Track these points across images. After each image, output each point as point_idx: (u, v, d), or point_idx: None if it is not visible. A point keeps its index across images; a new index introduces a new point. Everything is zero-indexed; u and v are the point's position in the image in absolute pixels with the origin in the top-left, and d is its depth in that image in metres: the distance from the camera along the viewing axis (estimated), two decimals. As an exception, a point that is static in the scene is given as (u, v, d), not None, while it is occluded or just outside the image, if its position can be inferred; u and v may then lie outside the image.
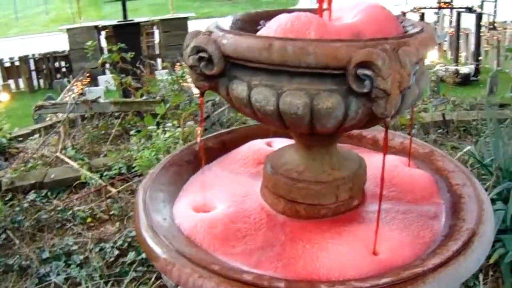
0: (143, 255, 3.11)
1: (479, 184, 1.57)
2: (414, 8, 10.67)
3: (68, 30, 11.31)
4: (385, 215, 1.47)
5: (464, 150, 3.84)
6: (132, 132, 4.82)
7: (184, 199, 1.54)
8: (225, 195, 1.56)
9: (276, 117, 1.18)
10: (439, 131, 5.36)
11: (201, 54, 1.21)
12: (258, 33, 1.30)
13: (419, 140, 1.88)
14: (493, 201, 3.10)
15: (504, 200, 3.11)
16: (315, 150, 1.45)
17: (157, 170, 1.65)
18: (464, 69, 10.49)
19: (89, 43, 6.95)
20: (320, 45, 1.08)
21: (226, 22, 1.39)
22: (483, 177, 3.64)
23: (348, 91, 1.11)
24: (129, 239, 3.42)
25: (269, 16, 1.53)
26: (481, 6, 11.69)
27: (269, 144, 1.86)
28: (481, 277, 2.88)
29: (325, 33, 1.19)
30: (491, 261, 2.90)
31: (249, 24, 1.50)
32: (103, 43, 11.36)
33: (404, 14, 10.97)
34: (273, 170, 1.47)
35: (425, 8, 10.94)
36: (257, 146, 1.84)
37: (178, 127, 4.64)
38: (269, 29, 1.25)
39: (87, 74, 10.67)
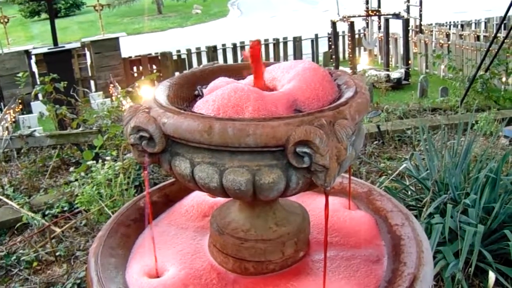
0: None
1: (417, 223, 1.65)
2: (344, 17, 10.90)
3: (-4, 56, 11.00)
4: (330, 263, 1.53)
5: (400, 168, 3.97)
6: (71, 169, 4.75)
7: (135, 264, 1.55)
8: (175, 254, 1.58)
9: (221, 191, 1.21)
10: (375, 142, 5.50)
11: (142, 134, 1.23)
12: (196, 105, 1.32)
13: (357, 179, 1.95)
14: (431, 215, 3.22)
15: (441, 213, 3.23)
16: (259, 208, 1.50)
17: (105, 233, 1.65)
18: (395, 74, 10.79)
19: (20, 74, 6.77)
20: (259, 125, 1.12)
21: (163, 91, 1.41)
22: (420, 190, 3.78)
23: (288, 164, 1.16)
24: (78, 281, 3.36)
25: (204, 77, 1.57)
26: (407, 10, 12.07)
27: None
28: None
29: (263, 105, 1.23)
30: (433, 273, 3.00)
31: (186, 87, 1.53)
32: (34, 67, 11.13)
33: (333, 23, 11.21)
34: (220, 230, 1.51)
35: (354, 16, 11.19)
36: (201, 197, 1.87)
37: (117, 157, 4.60)
38: (207, 103, 1.28)
39: (19, 101, 10.42)
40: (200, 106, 1.30)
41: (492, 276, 2.79)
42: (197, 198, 1.87)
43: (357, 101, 1.26)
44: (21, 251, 3.84)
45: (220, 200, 1.80)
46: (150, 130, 1.22)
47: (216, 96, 1.28)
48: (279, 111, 1.25)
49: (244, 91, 1.26)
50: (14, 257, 3.73)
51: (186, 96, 1.48)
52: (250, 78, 1.47)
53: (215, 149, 1.17)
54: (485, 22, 15.17)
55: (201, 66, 1.67)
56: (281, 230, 1.49)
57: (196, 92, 1.49)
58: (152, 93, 1.38)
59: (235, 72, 1.62)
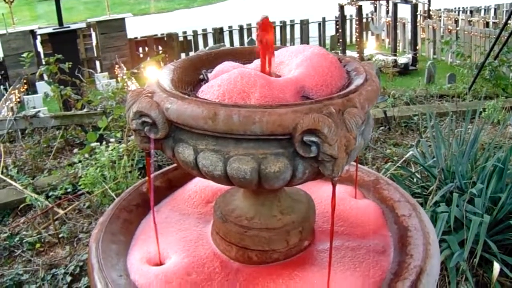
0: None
1: (424, 214, 1.62)
2: (351, 1, 10.80)
3: (1, 36, 10.96)
4: (335, 252, 1.50)
5: (407, 155, 3.93)
6: (75, 150, 4.72)
7: (137, 251, 1.52)
8: (177, 241, 1.56)
9: (225, 180, 1.18)
10: (381, 128, 5.46)
11: (144, 119, 1.19)
12: (201, 90, 1.29)
13: (364, 167, 1.91)
14: (437, 203, 3.19)
15: (447, 202, 3.19)
16: (263, 196, 1.47)
17: (107, 219, 1.62)
18: (402, 59, 10.72)
19: (25, 54, 6.73)
20: (266, 113, 1.08)
21: (167, 75, 1.37)
22: (426, 178, 3.74)
23: (295, 153, 1.13)
24: (81, 263, 3.36)
25: (210, 61, 1.53)
26: (416, -5, 11.96)
27: (215, 179, 1.86)
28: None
29: (270, 91, 1.20)
30: (439, 263, 2.97)
31: (191, 71, 1.49)
32: (40, 47, 11.10)
33: (341, 6, 11.11)
34: (224, 217, 1.48)
35: (362, 0, 11.09)
36: (204, 183, 1.84)
37: (122, 139, 4.58)
38: (213, 87, 1.24)
39: (24, 81, 10.40)
40: (205, 91, 1.26)
41: (497, 266, 2.76)
42: (200, 184, 1.84)
43: (367, 89, 1.22)
44: (24, 232, 3.83)
45: (224, 186, 1.76)
46: (152, 115, 1.18)
47: (222, 81, 1.24)
48: (286, 97, 1.21)
49: (250, 77, 1.22)
50: (17, 238, 3.73)
51: (190, 80, 1.44)
52: (257, 63, 1.43)
53: (219, 136, 1.14)
54: (495, 9, 15.03)
55: (206, 48, 1.63)
56: (286, 218, 1.46)
57: (201, 76, 1.45)
58: (156, 76, 1.35)
59: (242, 56, 1.58)
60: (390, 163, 4.10)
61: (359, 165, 1.86)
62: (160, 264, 1.47)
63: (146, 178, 1.66)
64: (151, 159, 1.31)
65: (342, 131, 1.06)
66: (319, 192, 1.79)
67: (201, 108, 1.12)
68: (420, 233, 1.51)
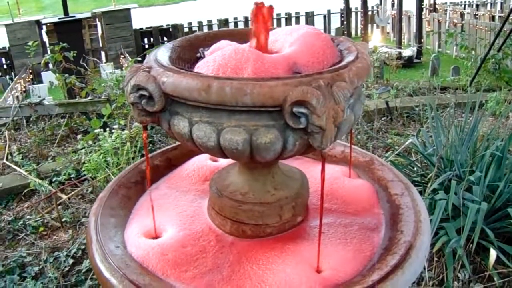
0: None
1: (417, 193, 1.65)
2: (356, -7, 10.79)
3: (7, 25, 11.02)
4: (327, 229, 1.53)
5: (406, 143, 3.97)
6: (79, 137, 4.78)
7: (134, 224, 1.57)
8: (174, 216, 1.60)
9: (218, 151, 1.22)
10: (383, 118, 5.49)
11: (142, 92, 1.23)
12: (197, 66, 1.33)
13: (359, 148, 1.95)
14: (435, 190, 3.22)
15: (445, 190, 3.22)
16: (257, 171, 1.50)
17: (106, 194, 1.66)
18: (407, 52, 10.72)
19: (30, 43, 6.78)
20: (257, 85, 1.12)
21: (165, 52, 1.41)
22: (426, 166, 3.77)
23: (286, 125, 1.16)
24: (82, 247, 3.42)
25: (208, 40, 1.57)
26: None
27: (213, 159, 1.90)
28: (425, 264, 2.99)
29: (262, 67, 1.23)
30: (435, 249, 3.01)
31: (189, 50, 1.53)
32: (45, 37, 11.15)
33: (346, -1, 11.10)
34: (219, 192, 1.52)
35: (367, -8, 11.10)
36: (202, 162, 1.88)
37: (125, 126, 4.63)
38: (208, 63, 1.28)
39: (30, 71, 10.46)
40: (200, 67, 1.30)
41: (493, 253, 2.79)
42: (198, 163, 1.88)
43: (357, 66, 1.26)
44: (28, 216, 3.90)
45: (222, 165, 1.81)
46: (149, 88, 1.22)
47: (216, 56, 1.28)
48: (279, 73, 1.24)
49: (244, 52, 1.26)
50: (21, 222, 3.79)
51: (188, 58, 1.48)
52: (253, 42, 1.47)
53: (213, 107, 1.17)
54: (501, 3, 14.99)
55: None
56: (279, 194, 1.49)
57: (198, 55, 1.49)
58: (154, 53, 1.39)
59: (239, 37, 1.61)
60: (390, 152, 4.14)
61: (354, 147, 1.90)
62: (157, 237, 1.51)
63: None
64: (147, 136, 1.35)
65: (330, 103, 1.10)
66: (314, 171, 1.82)
67: (195, 80, 1.16)
68: (412, 211, 1.54)
